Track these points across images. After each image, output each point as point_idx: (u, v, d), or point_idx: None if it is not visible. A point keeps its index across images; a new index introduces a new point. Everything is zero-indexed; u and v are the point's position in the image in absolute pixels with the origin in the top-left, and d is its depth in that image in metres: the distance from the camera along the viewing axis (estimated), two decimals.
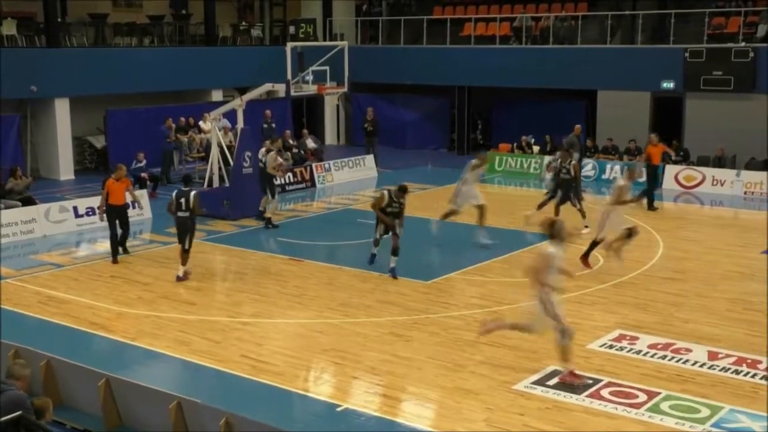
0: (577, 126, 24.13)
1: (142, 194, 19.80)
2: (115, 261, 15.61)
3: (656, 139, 21.05)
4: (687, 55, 24.87)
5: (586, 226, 16.90)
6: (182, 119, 24.42)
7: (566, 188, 17.74)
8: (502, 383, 9.97)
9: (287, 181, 22.98)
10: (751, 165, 23.55)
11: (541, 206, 17.77)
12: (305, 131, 27.41)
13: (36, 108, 24.61)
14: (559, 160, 18.08)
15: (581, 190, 18.85)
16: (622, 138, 25.07)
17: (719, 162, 23.81)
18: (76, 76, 24.19)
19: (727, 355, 10.79)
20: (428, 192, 22.09)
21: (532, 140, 26.46)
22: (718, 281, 14.29)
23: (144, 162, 21.87)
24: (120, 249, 15.98)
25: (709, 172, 23.23)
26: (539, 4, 29.99)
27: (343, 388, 10.13)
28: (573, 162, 18.10)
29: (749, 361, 10.62)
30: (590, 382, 9.94)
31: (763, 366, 10.44)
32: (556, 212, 16.92)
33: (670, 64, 25.18)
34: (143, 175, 21.70)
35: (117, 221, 15.75)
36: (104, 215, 15.80)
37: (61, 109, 24.48)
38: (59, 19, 25.25)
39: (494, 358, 10.77)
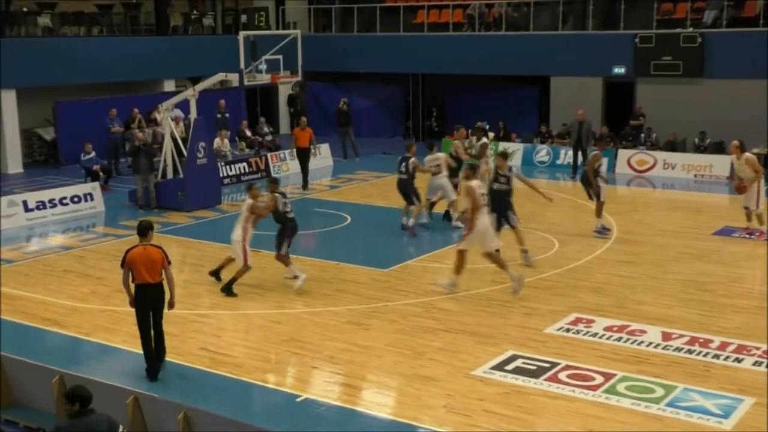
0: (580, 111, 23.18)
1: (95, 186, 19.53)
2: (153, 378, 10.04)
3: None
4: (637, 40, 25.18)
5: (607, 229, 16.28)
6: (136, 112, 23.98)
7: (501, 203, 14.20)
8: (461, 369, 10.03)
9: (242, 171, 22.83)
10: (701, 149, 23.98)
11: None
12: (262, 119, 27.27)
13: None
14: (495, 167, 14.62)
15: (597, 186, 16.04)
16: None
17: (671, 146, 24.19)
18: (22, 66, 23.66)
19: (681, 336, 10.98)
20: (383, 180, 22.08)
21: (487, 126, 26.58)
22: (670, 263, 14.52)
23: (93, 153, 21.51)
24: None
25: (661, 155, 23.58)
26: None
27: (302, 378, 10.11)
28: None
29: (701, 340, 10.81)
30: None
31: (714, 345, 10.64)
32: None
33: (621, 49, 25.48)
34: (95, 167, 21.37)
35: (151, 311, 10.12)
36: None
37: (8, 100, 23.93)
38: (3, 8, 24.69)
39: (453, 344, 10.83)
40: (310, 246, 16.31)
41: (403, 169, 16.57)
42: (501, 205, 14.09)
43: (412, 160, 16.59)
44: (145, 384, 9.65)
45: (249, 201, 13.03)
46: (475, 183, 12.74)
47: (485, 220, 12.68)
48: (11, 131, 24.25)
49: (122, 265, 9.91)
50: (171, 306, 10.00)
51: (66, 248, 16.25)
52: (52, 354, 10.56)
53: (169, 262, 9.92)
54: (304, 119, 22.70)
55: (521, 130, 26.75)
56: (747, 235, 16.03)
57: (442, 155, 17.09)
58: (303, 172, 21.80)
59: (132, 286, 9.90)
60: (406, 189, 16.57)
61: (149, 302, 9.88)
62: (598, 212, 16.19)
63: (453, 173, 16.81)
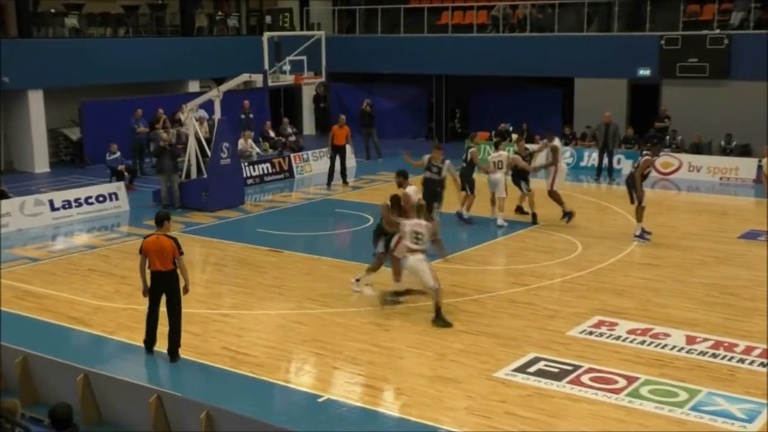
0: (607, 113, 22.96)
1: (120, 186, 19.69)
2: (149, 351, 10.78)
3: None
4: (663, 42, 24.99)
5: (648, 232, 16.01)
6: (160, 112, 24.13)
7: (431, 190, 15.55)
8: (483, 371, 10.00)
9: (265, 172, 22.94)
10: (727, 151, 23.76)
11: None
12: (286, 120, 27.36)
13: (9, 100, 24.30)
14: (429, 157, 15.97)
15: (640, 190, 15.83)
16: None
17: (696, 149, 23.98)
18: (49, 67, 23.91)
19: (705, 339, 10.88)
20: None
21: (510, 128, 26.51)
22: (695, 266, 14.40)
23: (118, 153, 21.69)
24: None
25: (686, 158, 23.38)
26: None
27: (324, 378, 10.12)
28: (511, 156, 17.14)
29: (726, 344, 10.72)
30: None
31: (739, 349, 10.54)
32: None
33: (647, 51, 25.29)
34: (120, 167, 21.54)
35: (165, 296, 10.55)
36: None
37: (35, 100, 24.20)
38: (31, 9, 24.95)
39: (474, 346, 10.80)
40: (332, 246, 16.33)
41: (464, 158, 17.30)
42: (431, 194, 15.35)
43: (472, 150, 17.42)
44: (168, 383, 9.71)
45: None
46: (410, 189, 12.56)
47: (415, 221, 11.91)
48: (38, 131, 24.49)
49: (140, 252, 10.54)
50: (185, 291, 10.51)
51: (91, 247, 16.38)
52: (77, 352, 10.64)
53: (181, 253, 10.38)
54: (342, 117, 22.96)
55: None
56: None
57: (504, 153, 17.38)
58: (342, 168, 22.29)
59: (148, 273, 10.48)
60: (467, 178, 17.09)
61: (160, 288, 10.43)
62: (639, 216, 15.95)
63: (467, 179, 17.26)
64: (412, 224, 11.78)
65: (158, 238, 10.32)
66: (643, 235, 15.91)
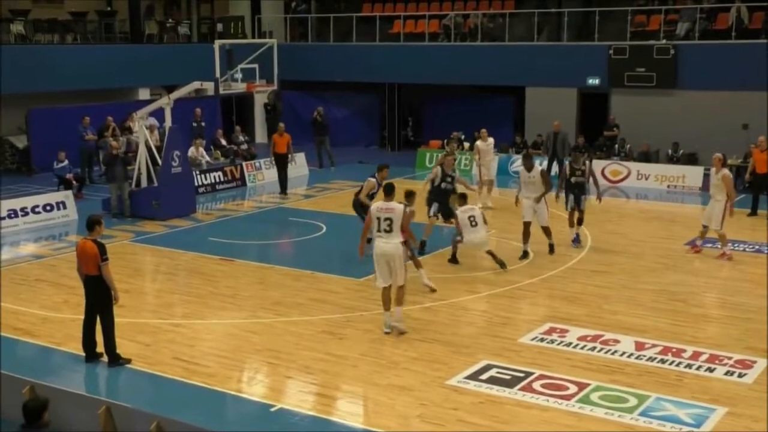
0: (556, 122, 23.39)
1: (68, 195, 19.37)
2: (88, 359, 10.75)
3: (764, 143, 19.23)
4: (611, 52, 25.41)
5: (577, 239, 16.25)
6: (110, 120, 23.80)
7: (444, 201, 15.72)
8: (435, 378, 10.03)
9: (217, 180, 22.77)
10: (674, 159, 24.22)
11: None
12: (238, 128, 27.20)
13: None
14: None
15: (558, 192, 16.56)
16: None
17: (645, 157, 24.39)
18: None
19: (654, 345, 11.04)
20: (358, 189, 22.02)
21: (462, 136, 26.69)
22: (644, 273, 14.62)
23: (66, 162, 21.33)
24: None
25: (635, 166, 23.77)
26: (467, 2, 30.26)
27: (276, 387, 10.06)
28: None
29: (674, 350, 10.89)
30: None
31: (686, 355, 10.72)
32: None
33: (595, 60, 25.70)
34: (68, 176, 21.20)
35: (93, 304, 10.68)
36: None
37: None
38: None
39: (427, 354, 10.83)
40: (285, 255, 16.26)
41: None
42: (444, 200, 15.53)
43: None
44: (117, 394, 9.56)
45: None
46: (374, 205, 11.61)
47: (380, 244, 11.35)
48: None
49: None
50: (115, 300, 10.47)
51: (38, 257, 16.08)
52: (23, 364, 10.41)
53: (104, 259, 10.28)
54: (281, 125, 22.73)
55: (497, 140, 26.78)
56: (694, 253, 15.76)
57: (475, 208, 16.81)
58: (281, 178, 21.89)
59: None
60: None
61: (87, 293, 10.56)
62: (581, 222, 16.24)
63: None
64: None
65: (85, 243, 10.35)
66: (578, 240, 16.29)
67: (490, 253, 14.62)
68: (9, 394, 8.76)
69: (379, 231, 11.32)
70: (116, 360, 10.51)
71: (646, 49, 24.98)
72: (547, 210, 15.54)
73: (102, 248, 10.27)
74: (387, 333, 11.46)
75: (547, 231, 15.57)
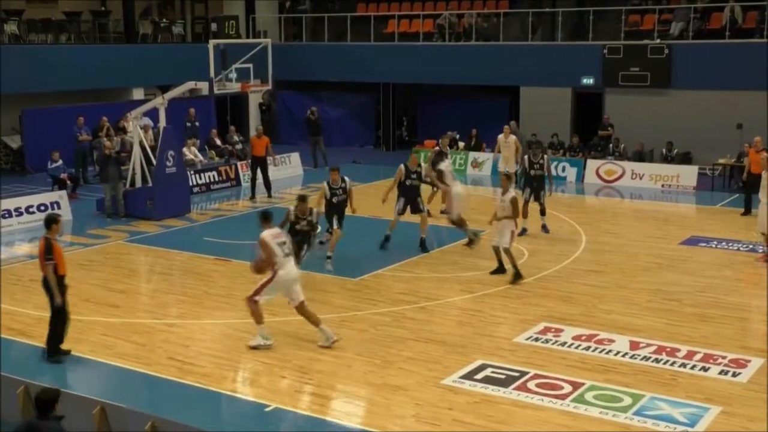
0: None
1: (62, 195, 19.32)
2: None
3: (760, 144, 19.33)
4: (605, 51, 25.44)
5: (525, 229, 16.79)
6: (104, 120, 23.76)
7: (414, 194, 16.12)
8: (431, 378, 10.04)
9: (212, 180, 22.74)
10: (668, 159, 24.26)
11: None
12: (232, 128, 27.16)
13: None
14: None
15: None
16: (545, 133, 25.48)
17: (639, 156, 24.43)
18: None
19: (648, 345, 11.07)
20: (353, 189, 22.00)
21: (457, 136, 26.71)
22: (639, 272, 14.65)
23: (60, 162, 21.29)
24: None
25: (629, 166, 23.81)
26: (462, 2, 30.26)
27: (271, 387, 10.05)
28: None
29: (668, 349, 10.91)
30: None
31: (681, 354, 10.75)
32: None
33: (590, 60, 25.73)
34: (62, 176, 21.16)
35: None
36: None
37: None
38: None
39: (422, 353, 10.83)
40: None
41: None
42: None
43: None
44: (112, 394, 9.54)
45: None
46: (267, 234, 11.08)
47: (290, 268, 11.08)
48: None
49: None
50: (55, 303, 10.32)
51: (32, 257, 15.97)
52: (17, 364, 10.39)
53: (48, 259, 10.19)
54: (260, 128, 22.60)
55: (491, 140, 26.86)
56: (765, 262, 15.00)
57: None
58: (264, 180, 21.62)
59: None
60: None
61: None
62: (543, 213, 17.18)
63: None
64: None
65: (39, 241, 10.38)
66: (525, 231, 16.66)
67: (458, 222, 15.76)
68: (5, 396, 8.75)
69: (286, 256, 10.99)
70: (53, 353, 10.54)
71: (640, 49, 25.03)
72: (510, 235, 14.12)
73: (48, 247, 10.17)
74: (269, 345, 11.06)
75: (508, 254, 14.08)
